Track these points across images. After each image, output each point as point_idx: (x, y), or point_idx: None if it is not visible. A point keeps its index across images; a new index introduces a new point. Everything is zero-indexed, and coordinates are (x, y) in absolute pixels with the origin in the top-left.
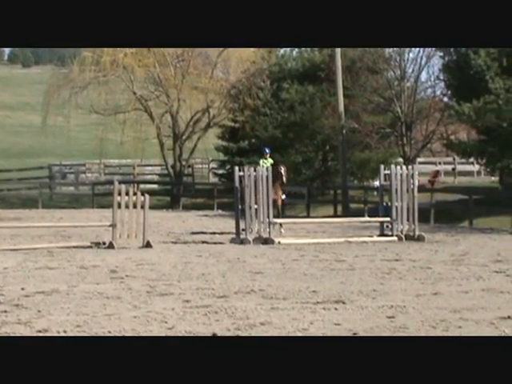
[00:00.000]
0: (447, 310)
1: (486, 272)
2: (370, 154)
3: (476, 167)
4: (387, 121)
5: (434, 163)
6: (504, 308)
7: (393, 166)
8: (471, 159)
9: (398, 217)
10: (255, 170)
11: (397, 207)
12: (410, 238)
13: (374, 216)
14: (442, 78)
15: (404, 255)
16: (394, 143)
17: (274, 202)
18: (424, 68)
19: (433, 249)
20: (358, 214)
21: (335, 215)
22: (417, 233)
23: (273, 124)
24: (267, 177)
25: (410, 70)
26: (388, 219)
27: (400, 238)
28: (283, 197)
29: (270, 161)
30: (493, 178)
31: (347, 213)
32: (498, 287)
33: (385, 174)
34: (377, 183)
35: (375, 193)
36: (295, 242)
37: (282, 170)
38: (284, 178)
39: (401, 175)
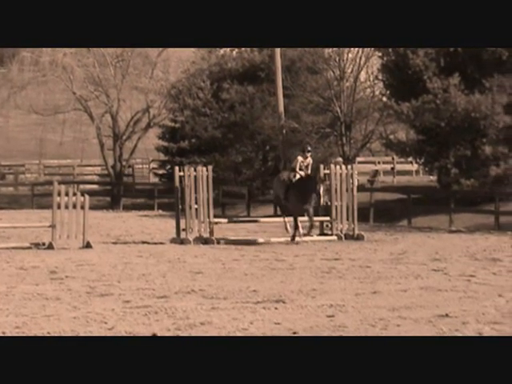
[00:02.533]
0: (386, 309)
1: (425, 270)
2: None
3: (415, 166)
4: (327, 120)
5: (373, 162)
6: (442, 306)
7: (332, 166)
8: (410, 158)
9: (337, 216)
10: (195, 170)
11: (337, 206)
12: (349, 237)
13: (314, 215)
14: (380, 77)
15: (343, 254)
16: (334, 143)
17: (306, 210)
18: (363, 68)
19: (372, 248)
20: None
21: (275, 215)
22: (356, 232)
23: (213, 124)
24: (207, 177)
25: (350, 70)
26: (328, 218)
27: (340, 237)
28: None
29: (310, 160)
30: (431, 177)
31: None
32: (436, 285)
33: (324, 174)
34: None
35: None
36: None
37: (320, 187)
38: (321, 200)
39: (340, 175)
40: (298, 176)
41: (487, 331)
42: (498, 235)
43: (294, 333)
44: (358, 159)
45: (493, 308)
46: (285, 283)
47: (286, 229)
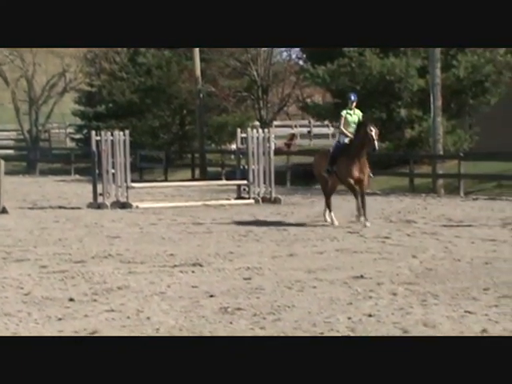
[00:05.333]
0: (302, 271)
1: (341, 233)
2: (227, 118)
3: (331, 130)
4: (244, 84)
5: (290, 126)
6: (357, 268)
7: (249, 130)
8: (326, 122)
9: (254, 180)
10: (112, 135)
11: (254, 170)
12: (266, 200)
13: (232, 179)
14: None
15: (260, 217)
16: (251, 107)
17: (359, 182)
18: None
19: (289, 211)
20: (216, 177)
21: (193, 179)
22: (273, 195)
23: (130, 88)
24: (124, 141)
25: None
26: (245, 182)
27: (257, 201)
28: (371, 174)
29: (359, 112)
30: (346, 141)
31: (205, 176)
32: (352, 247)
33: (242, 138)
34: (234, 146)
35: (232, 156)
36: (154, 206)
37: (373, 132)
38: (376, 144)
39: (257, 138)
40: (347, 139)
41: (401, 291)
42: (412, 197)
43: (211, 296)
44: (275, 123)
45: (407, 269)
46: (202, 247)
47: (329, 217)
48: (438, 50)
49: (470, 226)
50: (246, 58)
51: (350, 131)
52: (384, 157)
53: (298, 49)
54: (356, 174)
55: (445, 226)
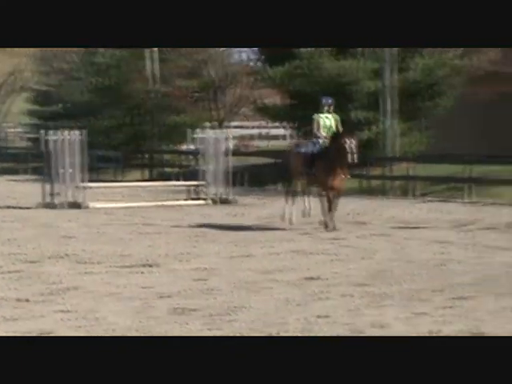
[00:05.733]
0: (259, 272)
1: (297, 234)
2: (183, 118)
3: (287, 131)
4: (199, 85)
5: (247, 127)
6: (313, 269)
7: (205, 130)
8: (283, 123)
9: (210, 180)
10: (68, 134)
11: (210, 171)
12: (222, 201)
13: (187, 179)
14: None
15: (216, 218)
16: (207, 107)
17: (336, 189)
18: None
19: (245, 211)
20: (171, 177)
21: (150, 179)
22: (229, 196)
23: (87, 88)
24: (79, 141)
25: None
26: (201, 183)
27: (214, 201)
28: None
29: (335, 116)
30: (321, 143)
31: (160, 177)
32: (308, 249)
33: (197, 138)
34: (190, 147)
35: (189, 156)
36: (107, 206)
37: (352, 143)
38: (354, 157)
39: (213, 139)
40: (321, 141)
41: (355, 293)
42: (365, 199)
43: (168, 296)
44: (232, 123)
45: (361, 270)
46: (158, 247)
47: (290, 219)
48: (393, 52)
49: (421, 227)
50: (203, 57)
51: (323, 135)
52: None
53: (255, 49)
54: (335, 182)
55: (397, 227)
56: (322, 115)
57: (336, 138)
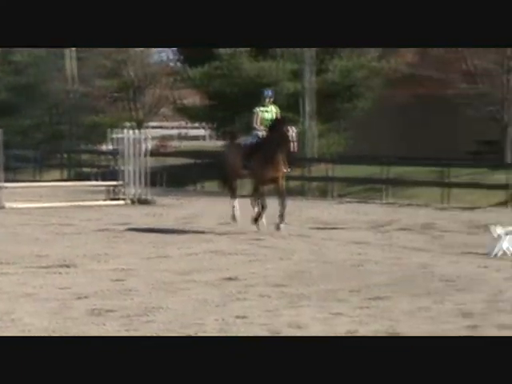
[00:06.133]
0: (176, 273)
1: (214, 234)
2: (101, 118)
3: (206, 131)
4: (119, 85)
5: (166, 127)
6: (230, 269)
7: (124, 130)
8: (201, 123)
9: (129, 180)
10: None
11: (128, 171)
12: (140, 201)
13: (106, 180)
14: None
15: (135, 219)
16: (126, 107)
17: (275, 181)
18: None
19: (163, 212)
20: (90, 177)
21: (67, 179)
22: (147, 196)
23: (5, 87)
24: None
25: None
26: (119, 183)
27: (131, 202)
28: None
29: (274, 109)
30: (260, 135)
31: (78, 177)
32: (225, 249)
33: (116, 138)
34: (109, 147)
35: (107, 156)
36: (24, 206)
37: (292, 131)
38: (293, 145)
39: (132, 139)
40: (260, 134)
41: (273, 293)
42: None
43: (85, 297)
44: (150, 124)
45: (279, 271)
46: (75, 248)
47: (234, 216)
48: (312, 54)
49: (338, 228)
50: (121, 58)
51: (261, 129)
52: None
53: (173, 50)
54: (270, 173)
55: (315, 228)
56: (262, 108)
57: (276, 125)
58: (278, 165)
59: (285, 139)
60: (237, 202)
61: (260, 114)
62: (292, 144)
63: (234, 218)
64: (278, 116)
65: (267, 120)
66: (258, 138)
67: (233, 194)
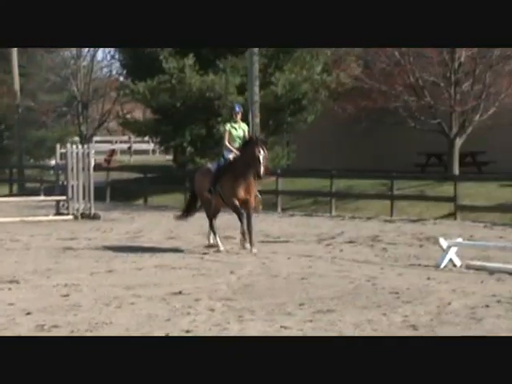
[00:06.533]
0: (121, 287)
1: (160, 249)
2: (46, 133)
3: (151, 146)
4: (64, 99)
5: (111, 142)
6: (176, 284)
7: (69, 145)
8: (146, 138)
9: (74, 195)
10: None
11: (73, 186)
12: (86, 216)
13: (51, 195)
14: (117, 57)
15: (79, 234)
16: (71, 122)
17: (245, 203)
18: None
19: (108, 227)
20: (35, 193)
21: (11, 194)
22: (93, 211)
23: None
24: None
25: (86, 50)
26: (64, 198)
27: (76, 217)
28: (258, 195)
29: (244, 126)
30: (167, 157)
31: (23, 192)
32: (171, 263)
33: (61, 153)
34: (53, 162)
35: (51, 172)
36: None
37: (261, 154)
38: (261, 170)
39: (77, 154)
40: (231, 154)
41: (219, 307)
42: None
43: (28, 313)
44: (95, 138)
45: (224, 285)
46: (19, 263)
47: (214, 241)
48: (256, 68)
49: (286, 241)
50: (66, 72)
51: (235, 147)
52: None
53: (118, 65)
54: (242, 194)
55: (262, 241)
56: (234, 125)
57: (247, 146)
58: (249, 185)
59: (254, 161)
60: (213, 233)
61: (231, 130)
62: (260, 168)
63: (213, 242)
64: (248, 135)
65: (236, 137)
66: (228, 160)
67: (210, 222)
